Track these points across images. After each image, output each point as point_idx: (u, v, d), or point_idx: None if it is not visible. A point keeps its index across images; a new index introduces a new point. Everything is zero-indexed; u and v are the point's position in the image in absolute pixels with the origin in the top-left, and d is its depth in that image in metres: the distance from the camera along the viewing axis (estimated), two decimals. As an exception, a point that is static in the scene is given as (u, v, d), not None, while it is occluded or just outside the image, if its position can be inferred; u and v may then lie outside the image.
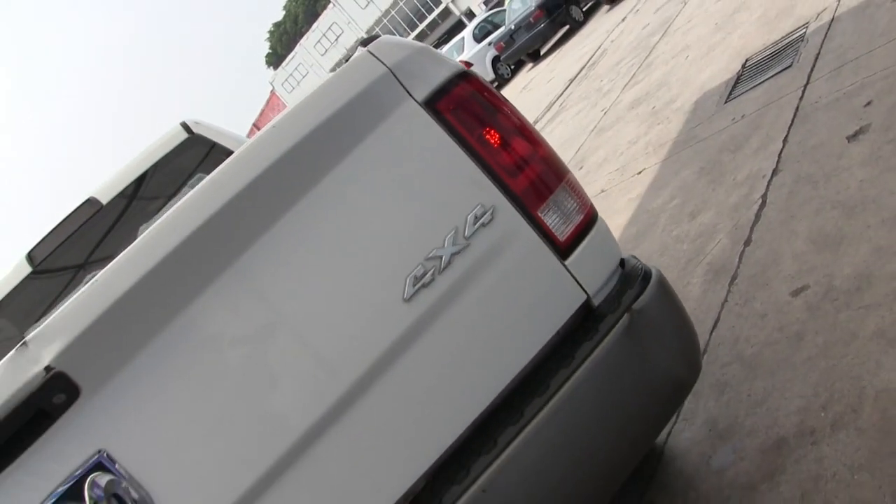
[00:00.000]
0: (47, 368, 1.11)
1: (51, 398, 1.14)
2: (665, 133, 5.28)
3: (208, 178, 1.27)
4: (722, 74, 5.38)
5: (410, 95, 1.34)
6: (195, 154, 3.55)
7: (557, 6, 15.26)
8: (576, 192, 1.46)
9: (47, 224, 3.42)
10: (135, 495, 1.15)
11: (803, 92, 4.04)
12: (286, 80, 62.96)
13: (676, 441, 2.47)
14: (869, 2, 4.30)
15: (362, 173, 1.31)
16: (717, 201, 3.70)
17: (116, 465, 1.16)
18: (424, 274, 1.28)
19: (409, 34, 49.80)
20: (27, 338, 1.13)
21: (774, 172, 3.52)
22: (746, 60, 5.25)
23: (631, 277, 1.43)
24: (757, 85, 4.70)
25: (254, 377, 1.23)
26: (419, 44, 1.40)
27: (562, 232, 1.40)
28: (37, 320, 3.61)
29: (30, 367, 1.12)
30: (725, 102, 4.86)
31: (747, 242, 3.17)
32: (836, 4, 4.72)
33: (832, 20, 4.58)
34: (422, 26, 49.15)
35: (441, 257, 1.29)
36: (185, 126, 3.40)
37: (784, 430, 2.16)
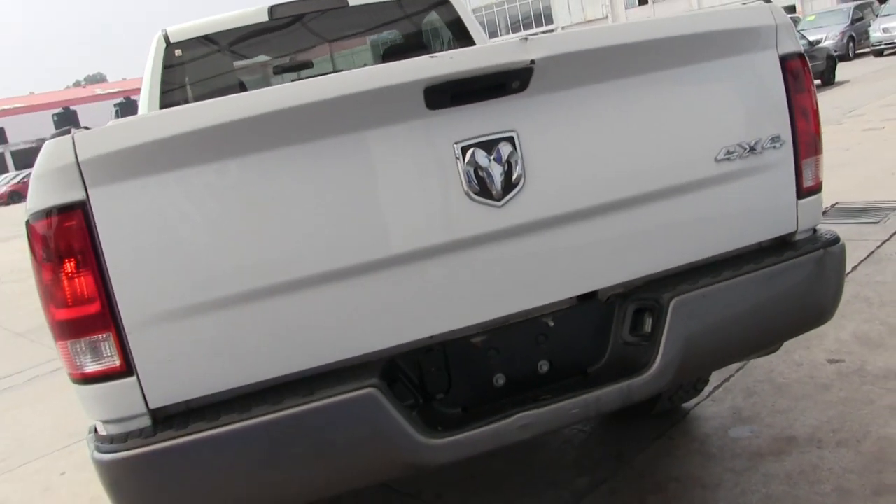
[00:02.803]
0: (532, 62, 1.66)
1: (513, 81, 1.68)
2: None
3: (641, 22, 1.84)
4: (810, 203, 6.04)
5: (776, 47, 1.94)
6: (430, 19, 4.08)
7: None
8: (819, 166, 2.07)
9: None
10: (518, 171, 1.70)
11: (881, 244, 4.72)
12: None
13: (702, 410, 3.09)
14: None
15: (725, 74, 1.90)
16: (781, 282, 4.34)
17: (517, 144, 1.71)
18: (731, 152, 1.88)
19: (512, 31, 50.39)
20: (529, 36, 1.68)
21: (838, 284, 4.16)
22: (836, 203, 5.93)
23: (823, 235, 2.05)
24: (839, 223, 5.37)
25: (612, 152, 1.80)
26: (788, 18, 1.99)
27: (805, 181, 2.01)
28: (251, 60, 4.13)
29: (521, 54, 1.65)
30: (807, 223, 5.51)
31: (800, 318, 3.80)
32: (934, 198, 5.42)
33: (925, 207, 5.28)
34: (518, 34, 49.84)
35: (745, 148, 1.89)
36: None
37: (797, 433, 2.78)
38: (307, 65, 4.25)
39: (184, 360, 1.63)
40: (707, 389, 3.20)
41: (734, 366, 3.36)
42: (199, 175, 1.59)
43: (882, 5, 24.40)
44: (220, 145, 1.58)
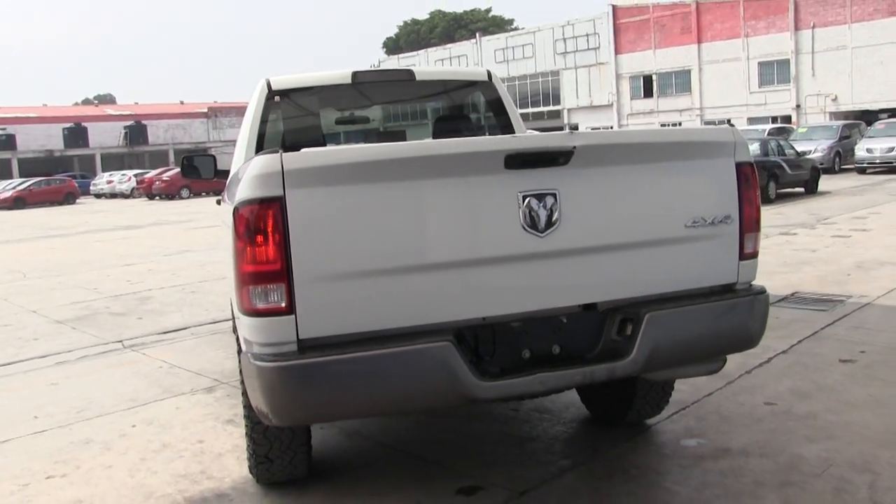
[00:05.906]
0: (573, 147, 2.57)
1: (560, 157, 2.56)
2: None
3: (638, 131, 2.78)
4: (774, 291, 7.00)
5: (734, 156, 2.87)
6: (477, 96, 5.07)
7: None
8: (757, 240, 2.98)
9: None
10: (556, 216, 2.57)
11: (825, 327, 5.64)
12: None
13: (662, 427, 3.93)
14: (898, 306, 5.96)
15: (699, 170, 2.82)
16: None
17: (557, 198, 2.60)
18: (697, 222, 2.78)
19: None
20: (574, 131, 2.59)
21: (784, 352, 5.07)
22: (795, 292, 6.89)
23: (756, 287, 2.95)
24: (794, 308, 6.31)
25: (619, 212, 2.70)
26: (744, 138, 2.93)
27: (746, 249, 2.91)
28: (332, 115, 5.09)
29: (568, 141, 2.55)
30: (769, 305, 6.45)
31: (747, 373, 4.69)
32: (876, 297, 6.40)
33: (867, 304, 6.24)
34: (526, 110, 51.86)
35: (706, 221, 2.80)
36: (489, 73, 4.91)
37: (732, 447, 3.63)
38: (367, 119, 5.23)
39: (328, 309, 2.48)
40: (666, 413, 4.05)
41: (690, 398, 4.23)
42: (357, 191, 2.47)
43: (868, 127, 26.04)
44: (373, 174, 2.47)
